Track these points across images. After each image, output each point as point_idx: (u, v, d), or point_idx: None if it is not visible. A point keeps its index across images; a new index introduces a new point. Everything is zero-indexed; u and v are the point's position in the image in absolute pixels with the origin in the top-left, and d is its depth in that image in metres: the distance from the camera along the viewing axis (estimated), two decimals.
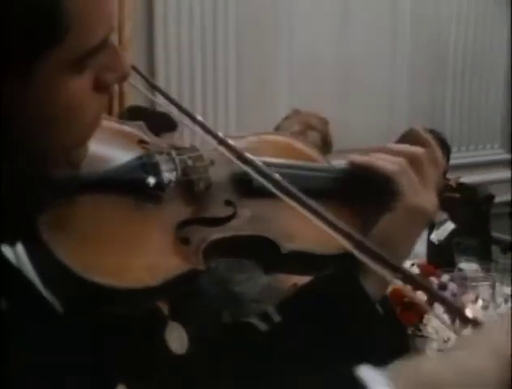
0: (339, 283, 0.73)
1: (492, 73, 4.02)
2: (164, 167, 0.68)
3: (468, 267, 2.41)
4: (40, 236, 0.58)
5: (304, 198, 0.61)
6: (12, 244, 0.57)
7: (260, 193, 0.67)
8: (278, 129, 2.23)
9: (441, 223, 2.62)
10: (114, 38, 2.56)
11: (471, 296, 2.17)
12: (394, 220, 0.74)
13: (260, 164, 0.64)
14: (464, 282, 2.22)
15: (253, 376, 0.72)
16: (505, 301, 2.29)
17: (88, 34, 0.53)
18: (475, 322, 0.56)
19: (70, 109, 0.55)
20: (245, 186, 0.71)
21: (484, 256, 2.78)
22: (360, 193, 0.77)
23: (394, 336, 0.75)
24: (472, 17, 3.87)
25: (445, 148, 2.76)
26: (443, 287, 2.16)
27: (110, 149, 0.68)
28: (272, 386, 0.71)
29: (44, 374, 0.53)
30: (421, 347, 1.81)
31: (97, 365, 0.58)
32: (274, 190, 0.63)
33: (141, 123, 0.75)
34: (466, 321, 0.56)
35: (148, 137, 0.73)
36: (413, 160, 0.75)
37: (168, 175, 0.68)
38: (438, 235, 2.65)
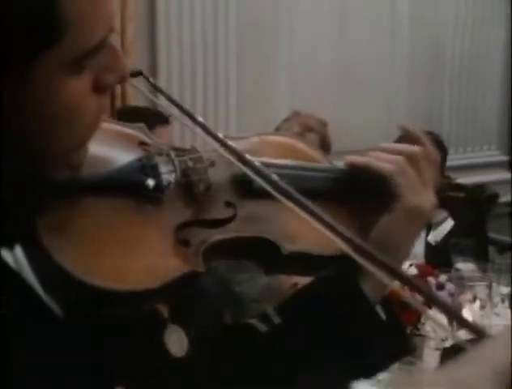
0: (338, 285, 0.73)
1: (489, 76, 4.02)
2: (163, 169, 0.68)
3: (465, 267, 2.42)
4: (39, 238, 0.58)
5: (301, 199, 0.61)
6: (11, 247, 0.57)
7: (260, 194, 0.67)
8: (277, 130, 2.23)
9: (439, 223, 2.62)
10: (117, 41, 2.59)
11: (468, 295, 2.18)
12: (393, 220, 0.74)
13: (258, 164, 0.64)
14: (461, 282, 2.23)
15: (252, 376, 0.72)
16: (502, 301, 2.31)
17: (86, 34, 0.53)
18: (472, 325, 0.56)
19: (68, 110, 0.55)
20: (246, 187, 0.71)
21: (480, 256, 2.79)
22: (359, 193, 0.77)
23: (394, 337, 0.75)
24: (470, 20, 3.88)
25: (443, 150, 2.77)
26: (441, 287, 2.17)
27: (110, 151, 0.68)
28: (272, 386, 0.72)
29: (44, 376, 0.53)
30: (419, 345, 1.82)
31: (96, 366, 0.58)
32: (271, 191, 0.62)
33: (142, 125, 0.75)
34: (463, 324, 0.56)
35: (149, 139, 0.73)
36: (410, 159, 0.75)
37: (168, 177, 0.68)
38: (435, 236, 2.65)
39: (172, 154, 0.70)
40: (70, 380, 0.55)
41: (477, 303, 2.17)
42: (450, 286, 2.18)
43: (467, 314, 2.11)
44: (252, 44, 3.15)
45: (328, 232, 0.60)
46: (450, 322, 0.68)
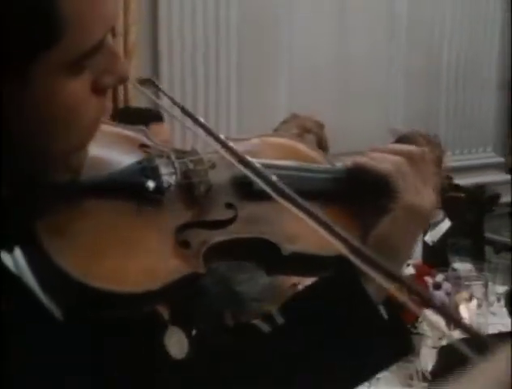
0: (341, 285, 0.72)
1: (486, 78, 4.04)
2: (163, 170, 0.68)
3: (462, 266, 2.43)
4: (39, 240, 0.58)
5: (299, 200, 0.61)
6: (11, 249, 0.57)
7: (260, 195, 0.67)
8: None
9: (436, 223, 2.63)
10: (119, 43, 2.61)
11: (464, 294, 2.20)
12: (393, 220, 0.73)
13: (259, 166, 0.64)
14: (458, 281, 2.24)
15: (253, 377, 0.72)
16: (498, 300, 2.33)
17: (85, 35, 0.53)
18: (468, 328, 0.56)
19: (67, 110, 0.55)
20: (246, 189, 0.71)
21: (477, 256, 2.80)
22: (359, 194, 0.77)
23: (396, 337, 0.75)
24: (467, 23, 3.89)
25: (440, 151, 2.78)
26: (438, 286, 2.18)
27: (111, 153, 0.68)
28: (272, 386, 0.72)
29: (44, 376, 0.53)
30: (417, 344, 1.83)
31: (96, 367, 0.58)
32: (271, 192, 0.62)
33: (143, 127, 0.75)
34: (460, 326, 0.56)
35: (150, 141, 0.73)
36: (409, 159, 0.75)
37: (168, 179, 0.68)
38: (432, 236, 2.66)
39: (173, 156, 0.70)
40: (70, 380, 0.55)
41: (473, 302, 2.19)
42: (446, 285, 2.20)
43: (463, 312, 2.13)
44: (252, 47, 3.19)
45: (327, 235, 0.60)
46: (448, 324, 0.68)
